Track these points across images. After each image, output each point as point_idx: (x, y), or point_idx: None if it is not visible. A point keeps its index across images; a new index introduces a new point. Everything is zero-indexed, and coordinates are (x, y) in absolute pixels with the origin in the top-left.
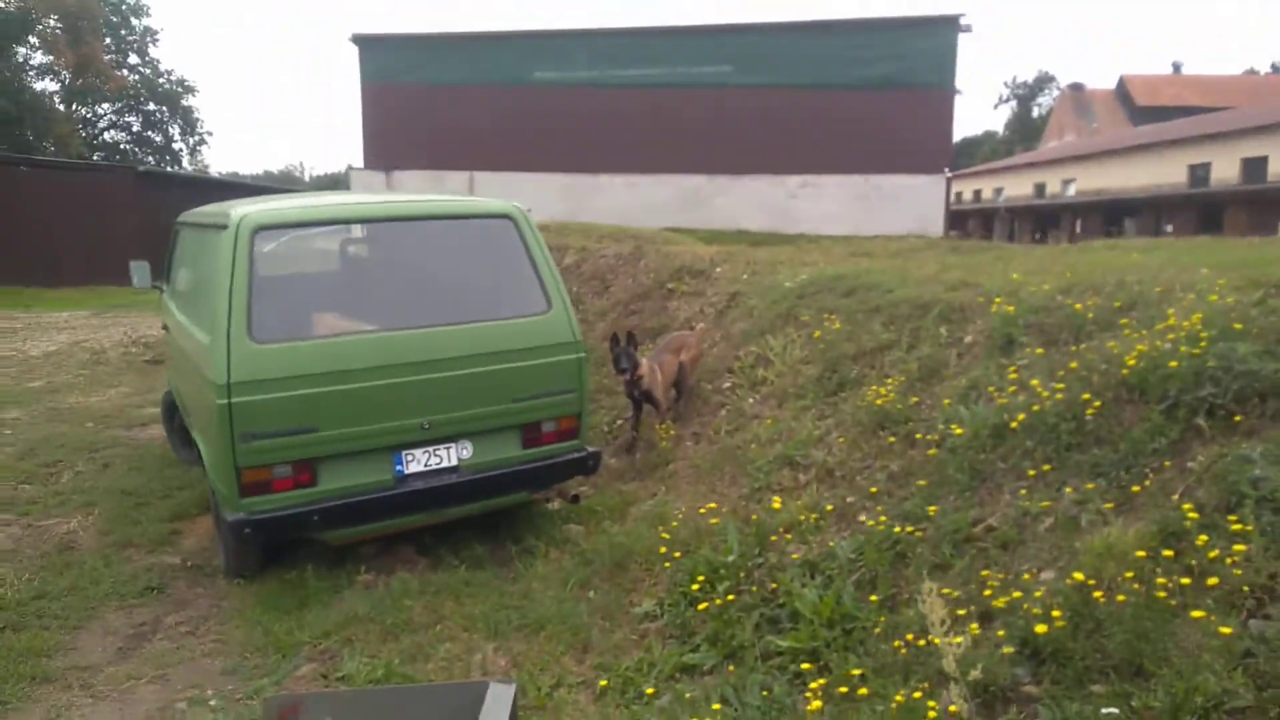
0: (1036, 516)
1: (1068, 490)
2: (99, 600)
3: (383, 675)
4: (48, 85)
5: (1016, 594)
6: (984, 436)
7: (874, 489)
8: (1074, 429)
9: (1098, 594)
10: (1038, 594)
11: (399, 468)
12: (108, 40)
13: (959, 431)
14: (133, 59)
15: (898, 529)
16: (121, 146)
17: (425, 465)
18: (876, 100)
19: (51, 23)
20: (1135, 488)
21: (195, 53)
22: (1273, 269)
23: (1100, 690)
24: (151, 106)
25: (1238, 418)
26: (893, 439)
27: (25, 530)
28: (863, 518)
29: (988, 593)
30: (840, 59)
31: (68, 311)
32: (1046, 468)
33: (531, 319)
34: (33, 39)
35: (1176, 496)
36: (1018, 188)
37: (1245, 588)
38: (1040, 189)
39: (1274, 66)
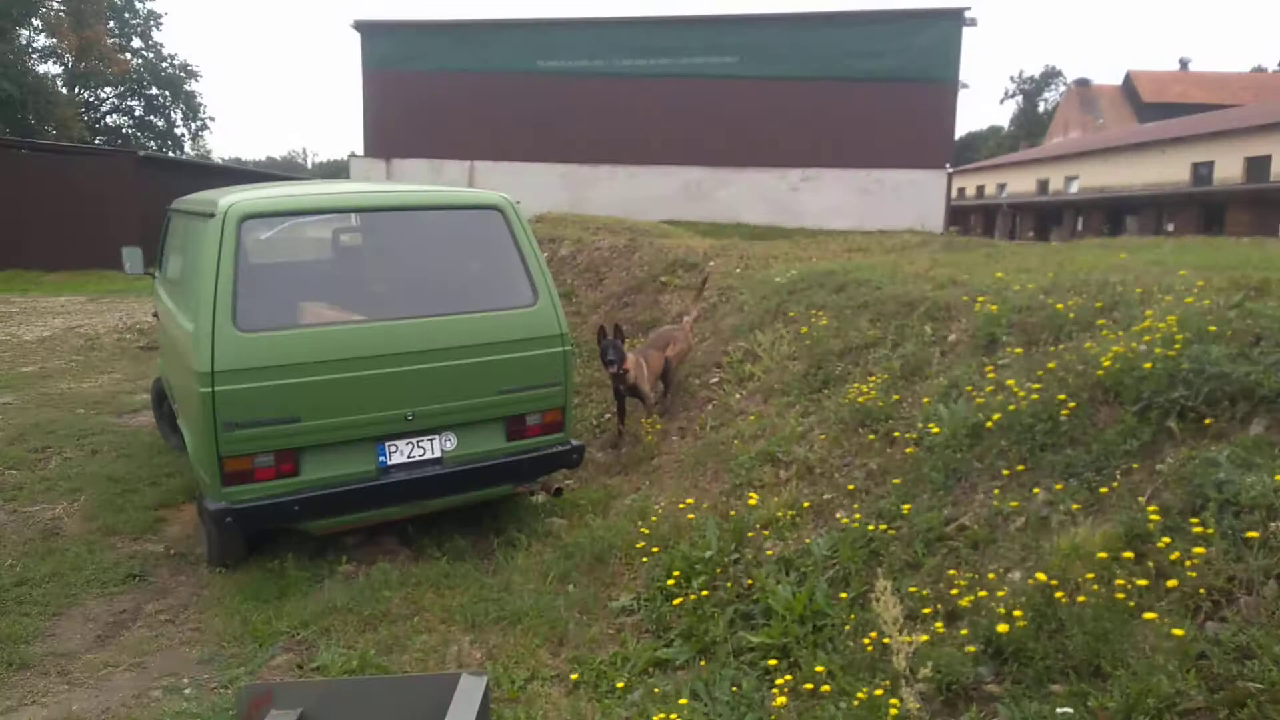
0: (1008, 516)
1: (1035, 491)
2: (80, 587)
3: (358, 666)
4: (50, 68)
5: (982, 593)
6: (961, 436)
7: (851, 486)
8: (1049, 429)
9: (1059, 595)
10: (1001, 594)
11: (382, 459)
12: (111, 23)
13: (936, 431)
14: (136, 43)
15: (871, 527)
16: (124, 131)
17: (408, 457)
18: (879, 93)
19: (55, 5)
20: (1104, 489)
21: (199, 37)
22: (1258, 271)
23: (1060, 690)
24: (154, 91)
25: (1208, 420)
26: (872, 437)
27: (10, 516)
28: (839, 515)
29: (954, 591)
30: (844, 51)
31: (65, 296)
32: (1020, 468)
33: (518, 311)
34: (36, 21)
35: (1143, 499)
36: (1021, 184)
37: (1202, 590)
38: (1043, 185)
39: None
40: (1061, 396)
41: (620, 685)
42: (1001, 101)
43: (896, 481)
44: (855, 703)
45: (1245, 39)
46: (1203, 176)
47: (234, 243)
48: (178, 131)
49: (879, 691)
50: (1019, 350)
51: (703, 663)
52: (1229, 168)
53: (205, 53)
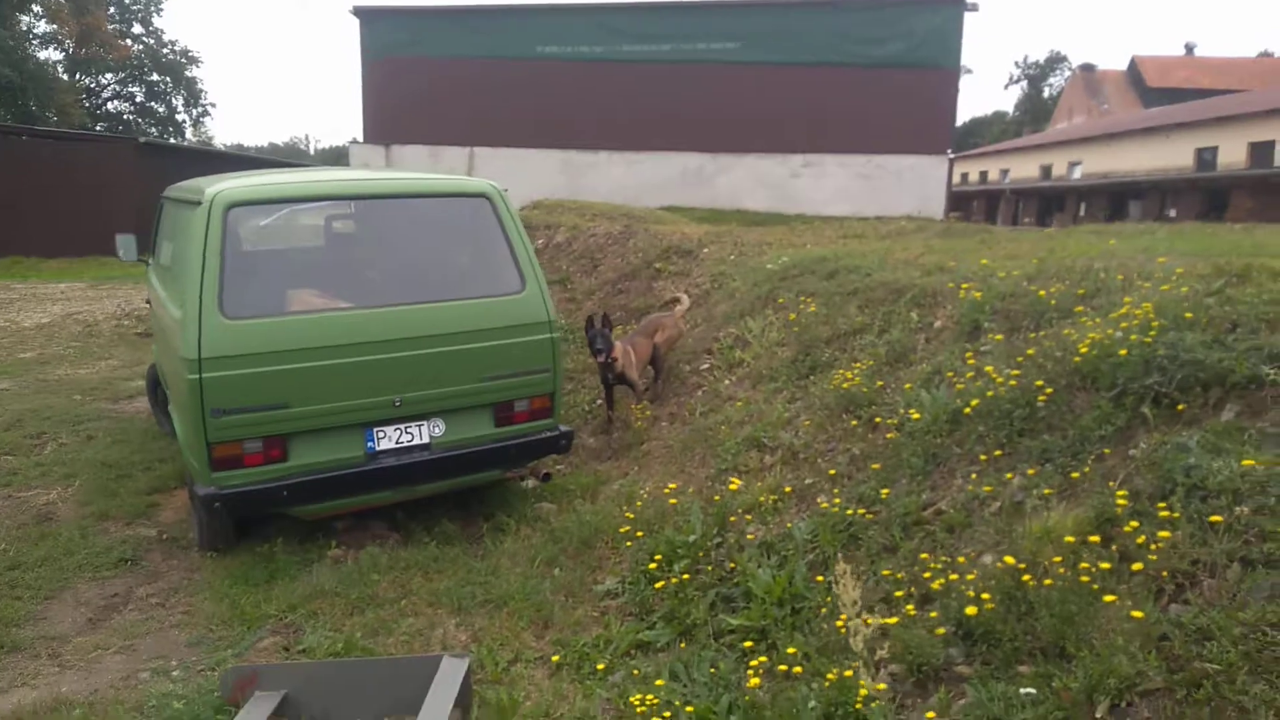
0: (984, 501)
1: (1008, 476)
2: (73, 571)
3: (343, 649)
4: (51, 54)
5: (954, 577)
6: (942, 422)
7: (833, 471)
8: (1026, 415)
9: (1026, 578)
10: (970, 577)
11: (370, 444)
12: (111, 9)
13: (916, 417)
14: (136, 28)
15: (849, 511)
16: (125, 117)
17: (396, 442)
18: (880, 79)
19: None
20: (1076, 474)
21: (199, 22)
22: (1244, 258)
23: (1027, 671)
24: (155, 77)
25: (1181, 406)
26: (856, 423)
27: (5, 501)
28: (820, 500)
29: (927, 575)
30: (844, 37)
31: (65, 282)
32: (998, 453)
33: (505, 298)
34: (36, 7)
35: (1114, 483)
36: (1024, 169)
37: (1165, 573)
38: (1046, 171)
39: None
40: (1040, 383)
41: (601, 667)
42: (1006, 87)
43: (876, 467)
44: (826, 683)
45: (1251, 24)
46: (1207, 162)
47: (220, 231)
48: (179, 118)
49: (848, 673)
50: (1000, 337)
51: (683, 645)
52: (1233, 153)
53: (206, 38)
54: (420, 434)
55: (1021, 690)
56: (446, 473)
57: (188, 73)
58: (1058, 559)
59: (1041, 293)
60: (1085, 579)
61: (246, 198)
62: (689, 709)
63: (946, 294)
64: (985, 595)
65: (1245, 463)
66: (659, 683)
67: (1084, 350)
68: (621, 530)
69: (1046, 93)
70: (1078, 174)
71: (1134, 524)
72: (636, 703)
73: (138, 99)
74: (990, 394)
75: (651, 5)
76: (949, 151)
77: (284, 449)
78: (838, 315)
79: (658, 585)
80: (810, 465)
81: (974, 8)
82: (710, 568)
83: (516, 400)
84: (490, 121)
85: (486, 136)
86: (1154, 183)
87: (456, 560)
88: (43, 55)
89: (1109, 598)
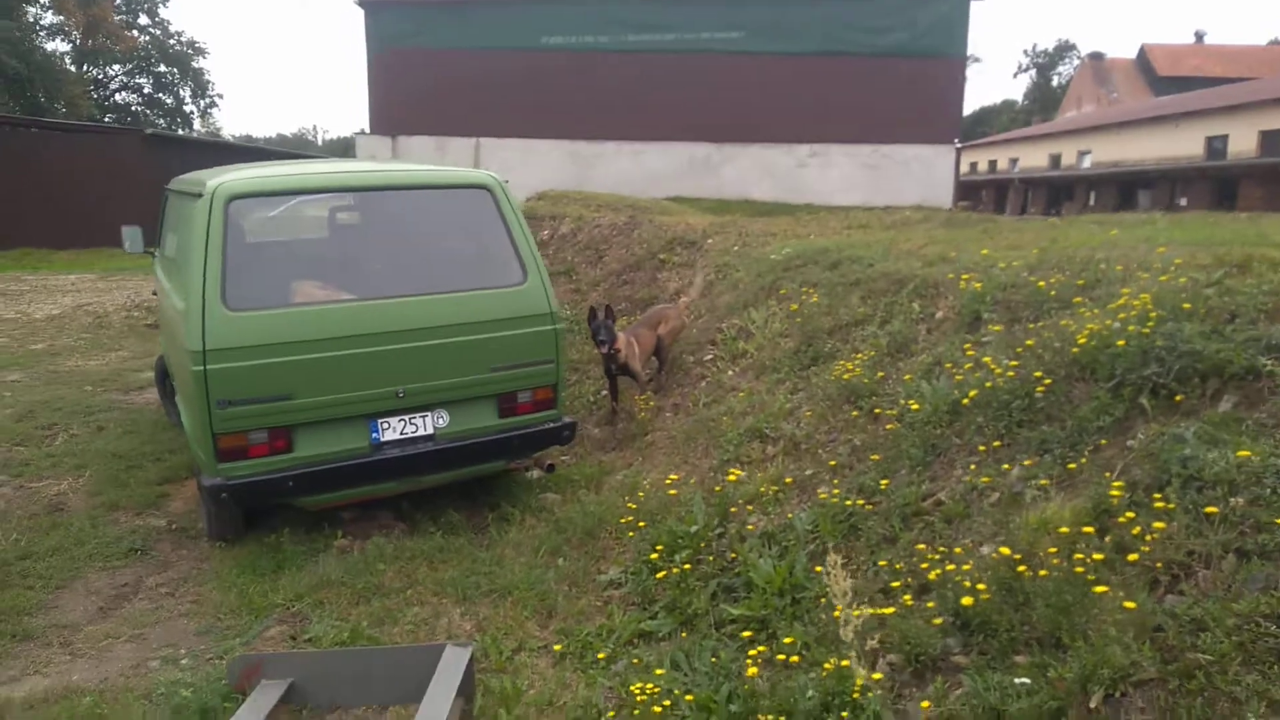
0: (983, 492)
1: (1005, 466)
2: (83, 561)
3: (349, 637)
4: (59, 46)
5: (950, 567)
6: (941, 412)
7: (834, 462)
8: (1025, 406)
9: (1022, 569)
10: (966, 567)
11: (375, 435)
12: (118, 1)
13: (916, 407)
14: (143, 19)
15: (849, 502)
16: (133, 109)
17: (401, 433)
18: (886, 68)
19: None
20: (1073, 465)
21: (206, 13)
22: (1246, 248)
23: (1023, 661)
24: (162, 68)
25: (1179, 397)
26: (857, 413)
27: (16, 491)
28: (821, 491)
29: (925, 565)
30: (851, 26)
31: (75, 274)
32: (997, 444)
33: (507, 289)
34: None
35: (1111, 474)
36: (1033, 159)
37: (1160, 564)
38: (1055, 160)
39: None
40: (1038, 374)
41: (603, 656)
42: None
43: (877, 457)
44: (824, 673)
45: (1262, 11)
46: (1217, 150)
47: (222, 223)
48: (186, 109)
49: (845, 662)
50: (999, 328)
51: (684, 634)
52: (1243, 141)
53: (213, 29)
54: (424, 425)
55: (1017, 680)
56: (451, 463)
57: (195, 64)
58: (1053, 550)
59: (1041, 283)
60: (1080, 570)
61: (247, 190)
62: (688, 698)
63: (948, 285)
64: (981, 586)
65: (1241, 454)
66: (659, 672)
67: (1082, 341)
68: (624, 520)
69: (1056, 81)
70: (1087, 163)
71: (1130, 515)
72: (637, 691)
73: (145, 90)
74: (989, 385)
75: None
76: (956, 141)
77: (289, 440)
78: (840, 306)
79: (660, 575)
80: (811, 456)
81: None
82: (712, 558)
83: (520, 391)
84: (496, 112)
85: (492, 127)
86: (1163, 172)
87: (461, 550)
88: (50, 47)
89: (1101, 588)
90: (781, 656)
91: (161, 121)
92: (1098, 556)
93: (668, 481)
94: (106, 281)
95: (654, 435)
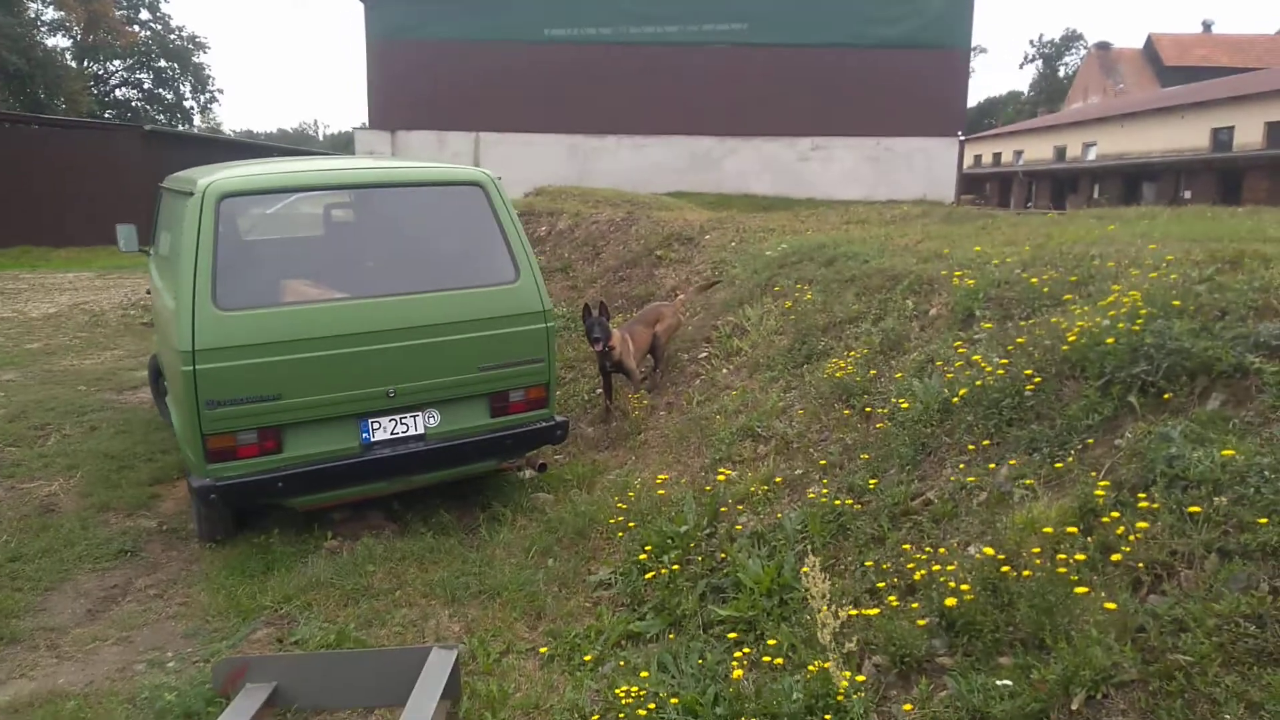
0: (971, 491)
1: (993, 466)
2: (73, 563)
3: (336, 640)
4: (59, 41)
5: (936, 568)
6: (932, 411)
7: (824, 461)
8: (1014, 404)
9: (1006, 569)
10: (950, 568)
11: (365, 436)
12: None
13: (906, 406)
14: (143, 15)
15: (838, 502)
16: (133, 104)
17: (391, 433)
18: (890, 60)
19: None
20: (1060, 464)
21: (206, 8)
22: (1240, 244)
23: (1007, 663)
24: (163, 63)
25: (1167, 395)
26: (848, 412)
27: (7, 493)
28: (811, 491)
29: (911, 565)
30: (854, 17)
31: (73, 272)
32: (986, 443)
33: (500, 288)
34: None
35: (1096, 474)
36: (1038, 151)
37: (1143, 565)
38: (1060, 152)
39: None
40: (1028, 371)
41: (590, 658)
42: (1021, 66)
43: (866, 457)
44: (809, 675)
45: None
46: (1223, 142)
47: (213, 221)
48: (187, 104)
49: (828, 664)
50: (991, 325)
51: (672, 635)
52: (1249, 133)
53: (213, 24)
54: (415, 425)
55: (999, 682)
56: (442, 463)
57: (195, 59)
58: (1037, 550)
59: (1034, 280)
60: (1063, 570)
61: (239, 188)
62: (674, 701)
63: (942, 281)
64: (965, 587)
65: (1226, 453)
66: (644, 674)
67: (1072, 339)
68: (614, 521)
69: (1062, 72)
70: (1092, 155)
71: (1115, 514)
72: (623, 694)
73: (146, 85)
74: (979, 383)
75: None
76: (960, 133)
77: (279, 440)
78: (835, 303)
79: (649, 576)
80: (803, 455)
81: None
82: (701, 558)
83: (512, 390)
84: (497, 106)
85: (493, 121)
86: (1168, 164)
87: (452, 551)
88: (50, 42)
89: (1082, 589)
90: (767, 658)
91: (162, 117)
92: (1080, 557)
93: (658, 481)
94: (104, 280)
95: (647, 434)
